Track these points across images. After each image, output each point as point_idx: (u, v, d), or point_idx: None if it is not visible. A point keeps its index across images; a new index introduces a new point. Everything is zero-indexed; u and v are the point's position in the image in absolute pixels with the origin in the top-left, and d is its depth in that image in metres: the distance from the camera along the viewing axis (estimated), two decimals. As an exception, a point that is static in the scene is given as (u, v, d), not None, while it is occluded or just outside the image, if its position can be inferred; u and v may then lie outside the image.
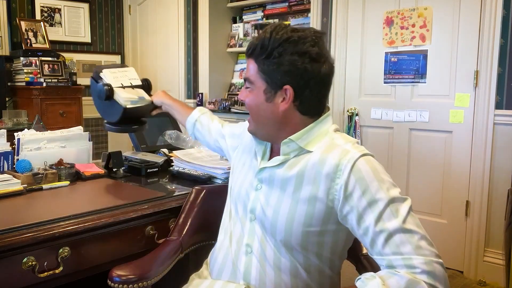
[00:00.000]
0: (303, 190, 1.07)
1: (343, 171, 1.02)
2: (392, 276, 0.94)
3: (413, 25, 2.99)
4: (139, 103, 1.68)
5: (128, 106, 1.64)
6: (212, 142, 1.54)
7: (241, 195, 1.20)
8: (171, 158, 1.97)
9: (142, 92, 1.73)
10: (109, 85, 1.64)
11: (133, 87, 1.72)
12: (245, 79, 1.15)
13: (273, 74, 1.08)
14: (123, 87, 1.69)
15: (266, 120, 1.13)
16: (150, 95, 1.75)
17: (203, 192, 1.48)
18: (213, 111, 4.32)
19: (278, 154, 1.14)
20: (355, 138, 3.25)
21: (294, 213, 1.07)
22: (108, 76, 1.69)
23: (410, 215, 1.00)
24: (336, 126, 1.15)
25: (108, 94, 1.63)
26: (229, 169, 1.42)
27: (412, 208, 1.02)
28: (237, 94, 3.97)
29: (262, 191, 1.14)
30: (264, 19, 4.17)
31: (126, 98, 1.65)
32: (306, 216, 1.06)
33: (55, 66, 4.09)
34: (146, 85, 1.79)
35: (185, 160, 1.87)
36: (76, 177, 1.76)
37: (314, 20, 3.48)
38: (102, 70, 1.70)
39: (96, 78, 1.68)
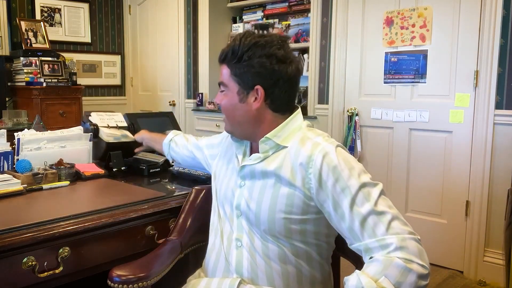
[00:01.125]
0: (283, 181, 1.14)
1: (315, 161, 1.10)
2: (369, 264, 1.00)
3: (413, 25, 2.99)
4: (122, 139, 1.93)
5: (110, 141, 1.89)
6: (187, 156, 1.69)
7: (227, 196, 1.26)
8: (171, 158, 1.97)
9: (126, 132, 1.99)
10: (95, 124, 1.93)
11: (118, 127, 1.99)
12: (220, 84, 1.25)
13: (245, 76, 1.18)
14: (109, 127, 1.96)
15: (242, 119, 1.22)
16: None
17: (203, 192, 1.48)
18: (212, 111, 4.34)
19: (257, 152, 1.22)
20: (355, 138, 3.27)
21: (275, 202, 1.14)
22: (95, 118, 1.97)
23: (381, 197, 1.06)
24: (308, 122, 1.24)
25: (93, 132, 1.91)
26: None
27: (384, 192, 1.08)
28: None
29: (246, 187, 1.21)
30: (264, 19, 4.17)
31: (109, 134, 1.90)
32: (286, 205, 1.13)
33: (55, 66, 4.09)
34: (132, 127, 2.04)
35: (185, 160, 1.87)
36: (76, 177, 1.76)
37: (314, 20, 3.48)
38: (91, 114, 1.99)
39: (85, 121, 1.96)
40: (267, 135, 1.19)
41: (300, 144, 1.15)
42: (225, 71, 1.23)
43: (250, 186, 1.20)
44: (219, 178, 1.33)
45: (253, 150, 1.25)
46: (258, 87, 1.18)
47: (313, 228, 1.15)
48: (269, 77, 1.17)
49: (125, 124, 2.03)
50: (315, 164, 1.09)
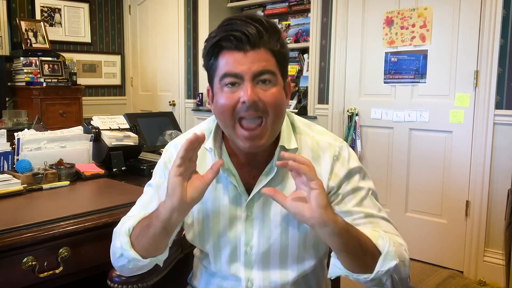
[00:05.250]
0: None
1: (337, 173, 1.04)
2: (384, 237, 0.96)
3: (413, 25, 2.99)
4: (124, 141, 1.93)
5: (112, 143, 1.89)
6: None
7: (225, 237, 1.07)
8: (171, 158, 1.97)
9: (128, 133, 1.98)
10: (97, 128, 1.94)
11: (120, 129, 2.00)
12: (261, 72, 0.93)
13: (286, 64, 1.00)
14: (111, 129, 1.97)
15: (282, 123, 1.02)
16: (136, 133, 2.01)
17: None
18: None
19: (249, 169, 1.05)
20: (355, 138, 3.27)
21: (305, 232, 1.04)
22: (97, 121, 1.99)
23: (381, 207, 1.05)
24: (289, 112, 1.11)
25: (95, 135, 1.92)
26: None
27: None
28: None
29: (255, 216, 1.04)
30: (264, 19, 4.16)
31: (111, 136, 1.91)
32: (315, 235, 1.03)
33: (55, 66, 4.09)
34: (134, 129, 2.05)
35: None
36: (76, 177, 1.76)
37: (314, 20, 3.48)
38: (92, 118, 2.01)
39: (88, 124, 1.98)
40: (283, 145, 1.02)
41: (314, 150, 1.05)
42: (267, 56, 0.94)
43: (263, 213, 1.05)
44: (200, 222, 1.09)
45: (244, 166, 1.05)
46: (289, 79, 1.02)
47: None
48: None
49: (127, 126, 2.03)
50: (338, 174, 1.03)
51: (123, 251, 1.01)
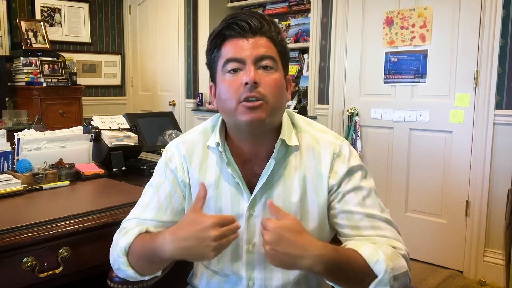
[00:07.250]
0: (309, 201, 1.04)
1: (337, 170, 1.04)
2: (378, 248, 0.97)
3: (413, 25, 2.99)
4: (124, 141, 1.94)
5: (112, 143, 1.90)
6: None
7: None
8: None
9: (128, 133, 1.99)
10: (97, 128, 1.94)
11: (120, 129, 2.00)
12: (262, 58, 0.97)
13: (286, 57, 1.04)
14: (111, 129, 1.97)
15: (282, 111, 1.04)
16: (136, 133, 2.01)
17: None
18: (212, 111, 4.34)
19: (251, 166, 1.06)
20: (355, 138, 3.27)
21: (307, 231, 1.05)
22: (97, 121, 1.99)
23: (384, 206, 1.05)
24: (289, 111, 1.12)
25: (95, 135, 1.93)
26: None
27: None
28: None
29: (257, 214, 1.05)
30: (264, 19, 4.16)
31: (111, 136, 1.92)
32: (319, 233, 1.04)
33: (55, 66, 4.09)
34: (134, 129, 2.05)
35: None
36: (76, 177, 1.76)
37: (314, 20, 3.48)
38: (92, 118, 2.01)
39: (88, 124, 1.98)
40: (283, 137, 1.03)
41: (315, 147, 1.05)
42: (268, 43, 0.99)
43: (265, 208, 1.04)
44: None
45: (245, 163, 1.07)
46: (289, 76, 1.05)
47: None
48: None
49: (127, 126, 2.03)
50: (338, 172, 1.03)
51: (122, 271, 1.06)
